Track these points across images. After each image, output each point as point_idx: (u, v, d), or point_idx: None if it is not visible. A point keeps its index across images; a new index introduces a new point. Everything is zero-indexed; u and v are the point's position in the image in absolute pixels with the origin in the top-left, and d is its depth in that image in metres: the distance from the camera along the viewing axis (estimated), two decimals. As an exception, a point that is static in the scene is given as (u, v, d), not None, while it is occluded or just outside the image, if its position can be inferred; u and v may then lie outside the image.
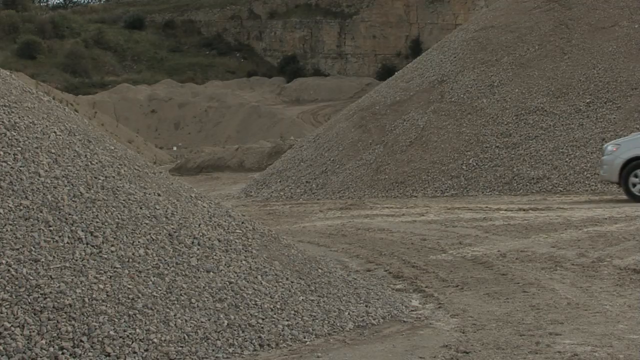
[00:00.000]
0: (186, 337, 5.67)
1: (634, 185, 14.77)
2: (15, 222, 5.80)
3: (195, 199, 7.64)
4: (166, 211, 6.88)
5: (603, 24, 21.23)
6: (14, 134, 6.53)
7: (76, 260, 5.78)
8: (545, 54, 21.13)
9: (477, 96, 20.76)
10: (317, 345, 6.06)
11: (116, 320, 5.48)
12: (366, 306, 7.06)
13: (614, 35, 20.67)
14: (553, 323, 6.56)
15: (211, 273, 6.46)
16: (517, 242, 10.41)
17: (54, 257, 5.71)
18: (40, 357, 5.06)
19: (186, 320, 5.81)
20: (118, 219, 6.38)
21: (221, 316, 6.03)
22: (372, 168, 20.14)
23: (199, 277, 6.32)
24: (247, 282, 6.60)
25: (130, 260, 6.07)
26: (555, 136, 18.68)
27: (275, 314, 6.36)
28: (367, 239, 11.57)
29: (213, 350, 5.69)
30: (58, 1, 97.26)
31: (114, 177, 6.87)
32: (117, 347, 5.31)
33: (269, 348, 5.93)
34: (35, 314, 5.27)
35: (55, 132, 6.91)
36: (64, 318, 5.32)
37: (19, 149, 6.43)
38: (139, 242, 6.30)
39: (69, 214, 6.11)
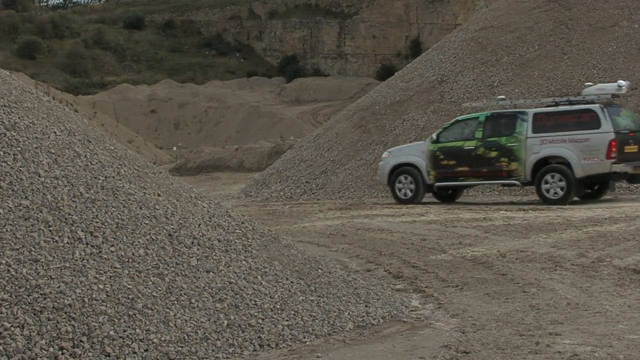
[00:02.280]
0: (186, 337, 5.67)
1: (399, 189, 16.66)
2: (15, 222, 5.80)
3: (195, 199, 7.64)
4: (166, 211, 6.88)
5: (603, 24, 21.23)
6: (14, 134, 6.53)
7: (76, 260, 5.78)
8: (545, 54, 21.13)
9: (477, 96, 20.74)
10: (317, 346, 6.06)
11: (116, 320, 5.48)
12: (366, 306, 7.06)
13: (613, 36, 20.67)
14: (553, 323, 6.56)
15: (211, 273, 6.46)
16: (517, 242, 10.41)
17: (54, 257, 5.71)
18: (40, 357, 5.06)
19: (186, 321, 5.81)
20: (118, 219, 6.38)
21: (221, 316, 6.03)
22: (372, 168, 20.12)
23: (199, 277, 6.32)
24: (247, 282, 6.60)
25: (130, 260, 6.07)
26: (555, 136, 18.66)
27: (275, 314, 6.36)
28: (367, 239, 11.57)
29: (213, 351, 5.69)
30: (58, 1, 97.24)
31: (113, 177, 6.87)
32: (117, 347, 5.31)
33: (269, 348, 5.94)
34: (35, 314, 5.27)
35: (55, 132, 6.91)
36: (64, 318, 5.32)
37: (19, 149, 6.43)
38: (138, 242, 6.30)
39: (69, 214, 6.11)
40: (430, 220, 13.05)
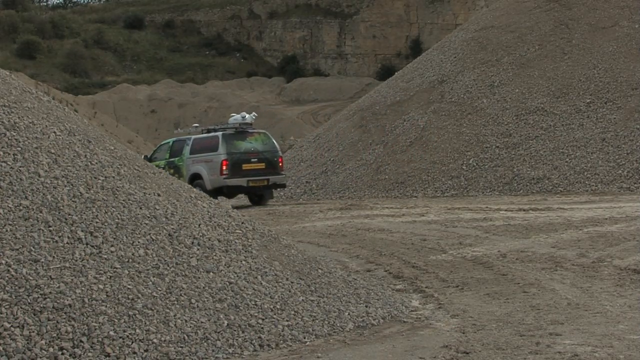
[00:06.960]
0: (186, 337, 5.67)
1: None
2: (15, 222, 5.80)
3: (195, 199, 7.64)
4: (166, 211, 6.88)
5: (603, 24, 21.22)
6: (14, 134, 6.53)
7: (76, 261, 5.78)
8: (545, 54, 21.12)
9: (477, 96, 20.76)
10: (317, 346, 6.06)
11: (116, 320, 5.48)
12: (366, 306, 7.06)
13: (614, 36, 20.67)
14: (553, 323, 6.55)
15: (211, 273, 6.46)
16: (518, 243, 10.41)
17: (53, 257, 5.71)
18: (40, 358, 5.06)
19: (186, 321, 5.80)
20: (118, 219, 6.37)
21: (221, 316, 6.03)
22: (372, 168, 20.14)
23: (199, 278, 6.31)
24: (247, 282, 6.59)
25: (130, 260, 6.07)
26: (556, 136, 18.68)
27: (275, 314, 6.35)
28: (367, 239, 11.56)
29: (213, 351, 5.68)
30: (58, 1, 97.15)
31: (113, 177, 6.86)
32: (117, 348, 5.31)
33: (269, 348, 5.93)
34: (35, 314, 5.26)
35: (55, 132, 6.90)
36: (64, 318, 5.32)
37: (19, 149, 6.43)
38: (138, 242, 6.29)
39: (69, 214, 6.11)
40: (430, 221, 13.04)
